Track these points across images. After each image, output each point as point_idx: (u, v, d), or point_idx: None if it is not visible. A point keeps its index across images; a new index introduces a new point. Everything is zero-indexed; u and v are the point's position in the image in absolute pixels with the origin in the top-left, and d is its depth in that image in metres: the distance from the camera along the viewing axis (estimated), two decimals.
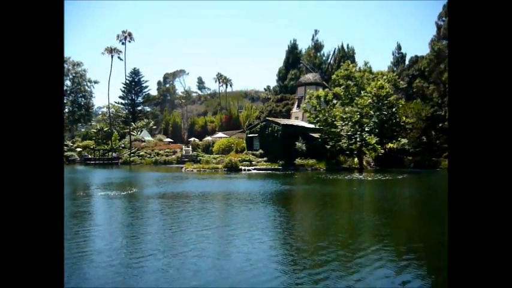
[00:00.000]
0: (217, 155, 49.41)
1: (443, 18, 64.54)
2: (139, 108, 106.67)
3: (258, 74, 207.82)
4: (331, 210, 15.86)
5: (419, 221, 14.09)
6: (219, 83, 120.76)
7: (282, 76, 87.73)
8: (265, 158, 45.25)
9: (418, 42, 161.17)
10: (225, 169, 40.73)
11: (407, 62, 77.78)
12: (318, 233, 11.46)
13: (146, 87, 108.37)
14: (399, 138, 50.06)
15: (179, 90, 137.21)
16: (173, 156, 64.06)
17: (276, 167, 42.59)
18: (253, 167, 42.06)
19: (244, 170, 41.13)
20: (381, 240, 10.30)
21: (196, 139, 78.24)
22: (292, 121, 57.07)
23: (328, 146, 46.43)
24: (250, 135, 50.89)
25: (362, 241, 10.32)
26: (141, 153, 66.99)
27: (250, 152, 47.93)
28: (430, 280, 7.25)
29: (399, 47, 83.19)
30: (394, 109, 47.88)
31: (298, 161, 43.90)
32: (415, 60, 72.83)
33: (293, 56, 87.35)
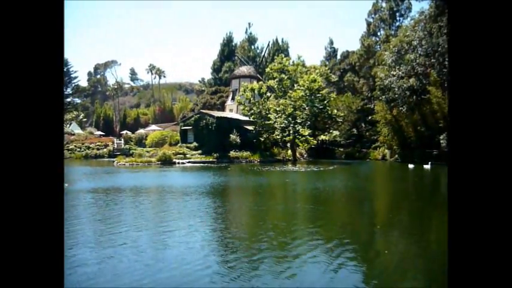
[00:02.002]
0: (150, 148, 48.29)
1: (373, 16, 66.95)
2: (68, 99, 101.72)
3: (192, 66, 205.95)
4: (265, 200, 15.97)
5: (349, 209, 14.51)
6: (152, 74, 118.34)
7: (216, 68, 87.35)
8: (199, 151, 44.88)
9: (349, 38, 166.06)
10: (159, 162, 39.94)
11: (338, 57, 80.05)
12: (254, 222, 11.55)
13: (75, 77, 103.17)
14: (331, 131, 51.54)
15: (111, 81, 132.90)
16: (104, 149, 61.91)
17: (210, 159, 42.38)
18: (187, 160, 41.58)
19: (179, 163, 40.57)
20: (313, 228, 10.54)
21: (128, 132, 76.09)
22: (227, 114, 57.00)
23: (262, 138, 46.91)
24: (184, 127, 50.23)
25: (296, 228, 10.48)
26: (70, 147, 64.18)
27: (184, 144, 47.32)
28: (362, 263, 7.45)
29: (331, 42, 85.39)
30: (326, 102, 49.12)
31: (232, 153, 43.94)
32: (346, 55, 75.10)
33: (228, 48, 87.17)
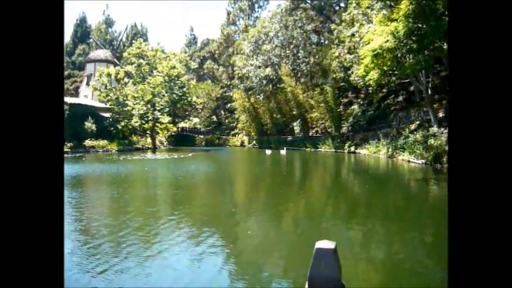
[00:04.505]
0: None
1: (233, 5, 68.20)
2: None
3: None
4: (124, 189, 15.37)
5: (207, 193, 14.73)
6: None
7: (69, 51, 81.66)
8: None
9: (210, 26, 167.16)
10: None
11: (199, 44, 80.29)
12: (116, 210, 11.23)
13: None
14: (191, 118, 51.58)
15: None
16: None
17: (64, 149, 39.66)
18: None
19: None
20: (174, 212, 10.60)
21: None
22: (81, 100, 53.66)
23: (120, 126, 45.06)
24: None
25: (156, 214, 10.36)
26: None
27: None
28: (225, 243, 7.72)
29: (192, 29, 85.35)
30: (185, 89, 48.87)
31: (88, 142, 41.52)
32: (207, 42, 75.66)
33: (82, 30, 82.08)
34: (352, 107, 41.70)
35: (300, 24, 46.12)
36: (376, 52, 20.58)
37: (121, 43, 73.44)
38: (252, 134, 50.56)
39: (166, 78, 46.74)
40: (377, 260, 6.96)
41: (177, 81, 47.81)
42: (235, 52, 58.04)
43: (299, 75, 46.57)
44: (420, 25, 19.29)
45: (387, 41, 19.92)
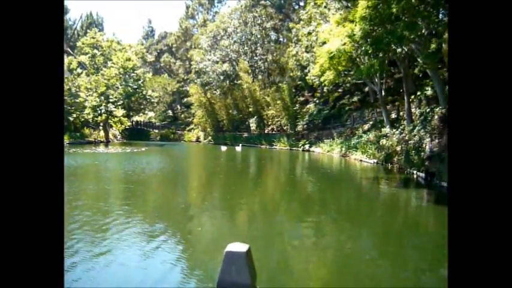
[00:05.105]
0: None
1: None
2: None
3: None
4: (72, 182, 14.85)
5: (159, 189, 14.51)
6: None
7: None
8: None
9: (169, 19, 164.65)
10: None
11: (156, 37, 78.97)
12: (66, 203, 10.85)
13: None
14: (146, 112, 50.56)
15: None
16: None
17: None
18: None
19: None
20: (125, 208, 10.52)
21: None
22: None
23: (72, 118, 43.72)
24: None
25: (102, 209, 10.16)
26: None
27: None
28: (177, 239, 7.74)
29: (150, 22, 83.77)
30: (140, 82, 47.95)
31: None
32: (164, 35, 74.48)
33: None
34: (308, 106, 42.12)
35: (259, 21, 46.11)
36: (332, 54, 20.79)
37: (75, 32, 71.18)
38: (208, 129, 50.20)
39: (121, 70, 45.71)
40: (312, 259, 7.01)
41: (132, 74, 46.86)
42: (193, 46, 57.43)
43: (256, 72, 46.58)
44: (376, 28, 19.59)
45: (344, 44, 20.13)
